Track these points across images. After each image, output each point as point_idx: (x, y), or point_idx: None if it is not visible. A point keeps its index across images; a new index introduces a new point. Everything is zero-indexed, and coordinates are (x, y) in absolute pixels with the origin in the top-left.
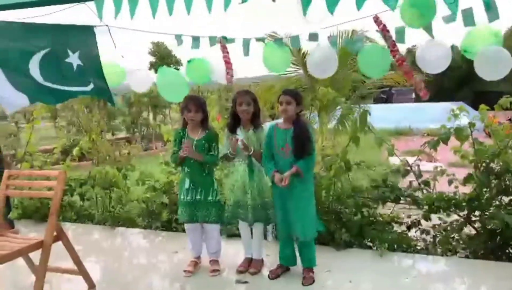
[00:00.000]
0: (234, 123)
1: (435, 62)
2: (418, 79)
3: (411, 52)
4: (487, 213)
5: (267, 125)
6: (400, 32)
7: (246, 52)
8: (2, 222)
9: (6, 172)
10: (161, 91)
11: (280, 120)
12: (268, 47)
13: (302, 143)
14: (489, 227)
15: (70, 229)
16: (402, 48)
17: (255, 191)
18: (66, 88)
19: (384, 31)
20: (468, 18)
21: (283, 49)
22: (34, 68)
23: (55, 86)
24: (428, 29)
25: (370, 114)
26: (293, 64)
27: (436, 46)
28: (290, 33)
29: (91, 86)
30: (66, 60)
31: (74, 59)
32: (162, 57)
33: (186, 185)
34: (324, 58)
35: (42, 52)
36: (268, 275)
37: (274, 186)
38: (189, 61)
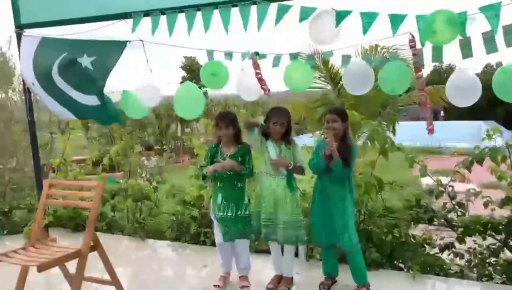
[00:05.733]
0: (264, 135)
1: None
2: (429, 114)
3: (438, 70)
4: None
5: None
6: (438, 50)
7: (277, 64)
8: (42, 231)
9: (46, 182)
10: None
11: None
12: (293, 63)
13: (342, 157)
14: None
15: (100, 239)
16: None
17: (292, 209)
18: (83, 98)
19: (414, 55)
20: (509, 34)
21: (310, 67)
22: (55, 74)
23: (74, 94)
24: (466, 47)
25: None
26: (321, 78)
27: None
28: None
29: (96, 97)
30: (78, 59)
31: (85, 61)
32: (193, 71)
33: (219, 201)
34: (361, 75)
35: (60, 58)
36: (319, 287)
37: (314, 193)
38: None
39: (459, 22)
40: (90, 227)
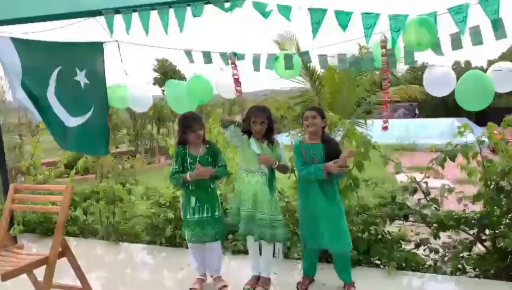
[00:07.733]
0: (247, 133)
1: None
2: (386, 114)
3: (412, 70)
4: (498, 231)
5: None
6: (409, 53)
7: (257, 68)
8: (7, 237)
9: (12, 186)
10: (170, 103)
11: (300, 138)
12: (280, 57)
13: (336, 157)
14: (500, 246)
15: (72, 244)
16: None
17: (270, 207)
18: (70, 120)
19: (383, 54)
20: (476, 35)
21: (295, 60)
22: (51, 89)
23: (61, 114)
24: (437, 48)
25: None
26: (301, 76)
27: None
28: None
29: (89, 114)
30: (74, 78)
31: (81, 77)
32: (166, 73)
33: (192, 204)
34: (443, 75)
35: (56, 70)
36: (297, 286)
37: (301, 197)
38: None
39: (433, 28)
40: (58, 233)
